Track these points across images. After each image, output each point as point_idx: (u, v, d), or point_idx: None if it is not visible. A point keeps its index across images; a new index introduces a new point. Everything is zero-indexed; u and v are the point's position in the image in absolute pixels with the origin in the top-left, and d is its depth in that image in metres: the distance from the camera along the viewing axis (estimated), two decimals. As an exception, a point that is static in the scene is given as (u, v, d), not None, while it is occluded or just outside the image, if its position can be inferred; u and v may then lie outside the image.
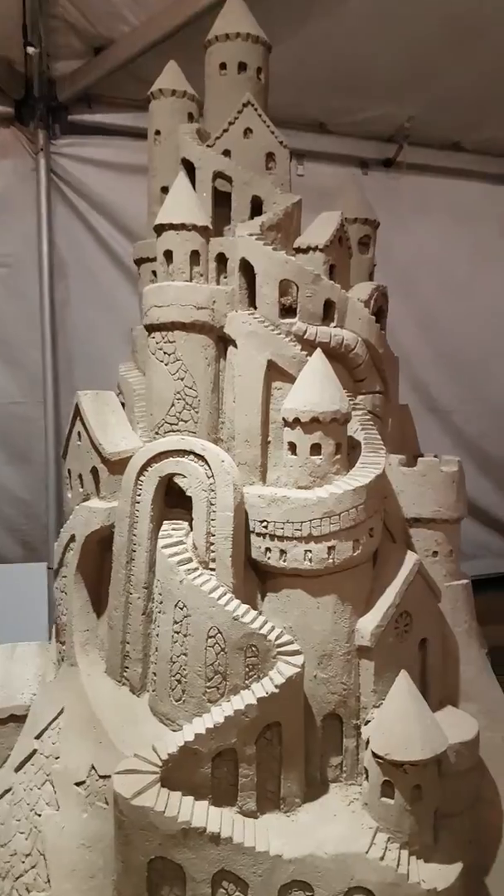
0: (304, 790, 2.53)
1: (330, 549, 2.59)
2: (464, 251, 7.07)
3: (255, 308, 2.93)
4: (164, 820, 2.26)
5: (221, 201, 3.15)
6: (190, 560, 2.63)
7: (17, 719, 3.09)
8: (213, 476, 2.68)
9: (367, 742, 2.51)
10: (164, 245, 2.97)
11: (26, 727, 2.99)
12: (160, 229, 2.97)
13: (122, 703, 2.70)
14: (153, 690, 2.66)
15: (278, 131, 3.18)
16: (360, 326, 3.03)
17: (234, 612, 2.50)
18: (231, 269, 3.01)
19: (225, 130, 3.16)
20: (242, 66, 3.21)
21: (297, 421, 2.69)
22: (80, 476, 3.04)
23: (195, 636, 2.53)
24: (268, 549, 2.66)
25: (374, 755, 2.44)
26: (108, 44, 5.25)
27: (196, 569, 2.61)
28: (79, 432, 3.04)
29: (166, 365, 2.93)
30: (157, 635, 2.64)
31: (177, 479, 2.80)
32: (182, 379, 2.92)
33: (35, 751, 2.81)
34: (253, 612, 2.54)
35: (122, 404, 3.24)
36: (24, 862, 2.59)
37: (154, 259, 3.33)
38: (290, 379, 2.84)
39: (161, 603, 2.64)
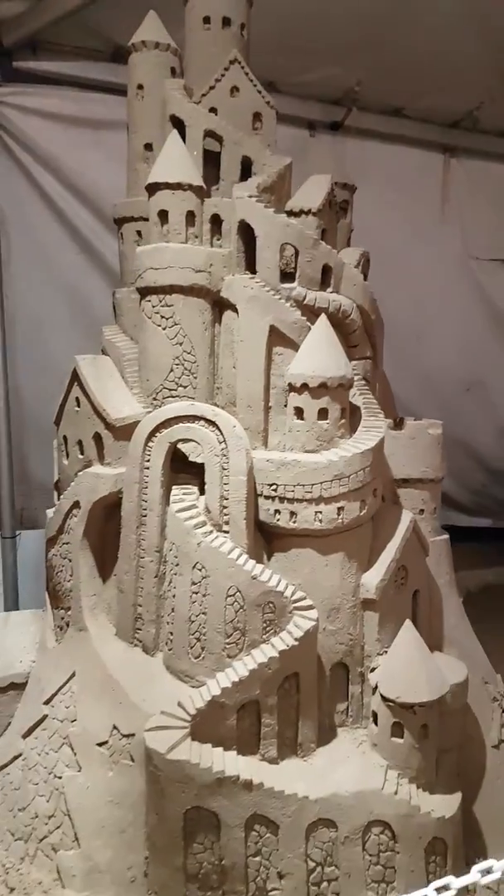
0: (317, 735, 2.68)
1: (339, 509, 2.70)
2: (399, 219, 7.19)
3: (253, 272, 2.93)
4: (199, 771, 2.36)
5: (207, 161, 3.10)
6: (204, 523, 2.69)
7: (17, 687, 3.10)
8: (224, 441, 2.73)
9: (375, 688, 2.68)
10: (159, 205, 2.91)
11: (29, 694, 3.00)
12: (154, 188, 2.90)
13: (136, 664, 2.75)
14: (170, 649, 2.72)
15: (265, 91, 3.16)
16: (355, 292, 3.09)
17: (252, 571, 2.59)
18: (226, 231, 2.99)
19: (211, 88, 3.10)
20: (227, 21, 3.16)
21: (304, 386, 2.75)
22: (79, 442, 3.00)
23: (214, 595, 2.60)
24: (277, 511, 2.74)
25: (384, 699, 2.62)
26: (57, -15, 4.97)
27: (211, 531, 2.67)
28: (77, 398, 2.99)
29: (164, 329, 2.90)
30: (174, 596, 2.69)
31: (180, 446, 2.82)
32: (181, 344, 2.90)
33: (46, 716, 2.82)
34: (269, 571, 2.64)
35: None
36: (46, 824, 2.63)
37: (138, 219, 3.28)
38: (291, 344, 2.88)
39: (177, 565, 2.68)
